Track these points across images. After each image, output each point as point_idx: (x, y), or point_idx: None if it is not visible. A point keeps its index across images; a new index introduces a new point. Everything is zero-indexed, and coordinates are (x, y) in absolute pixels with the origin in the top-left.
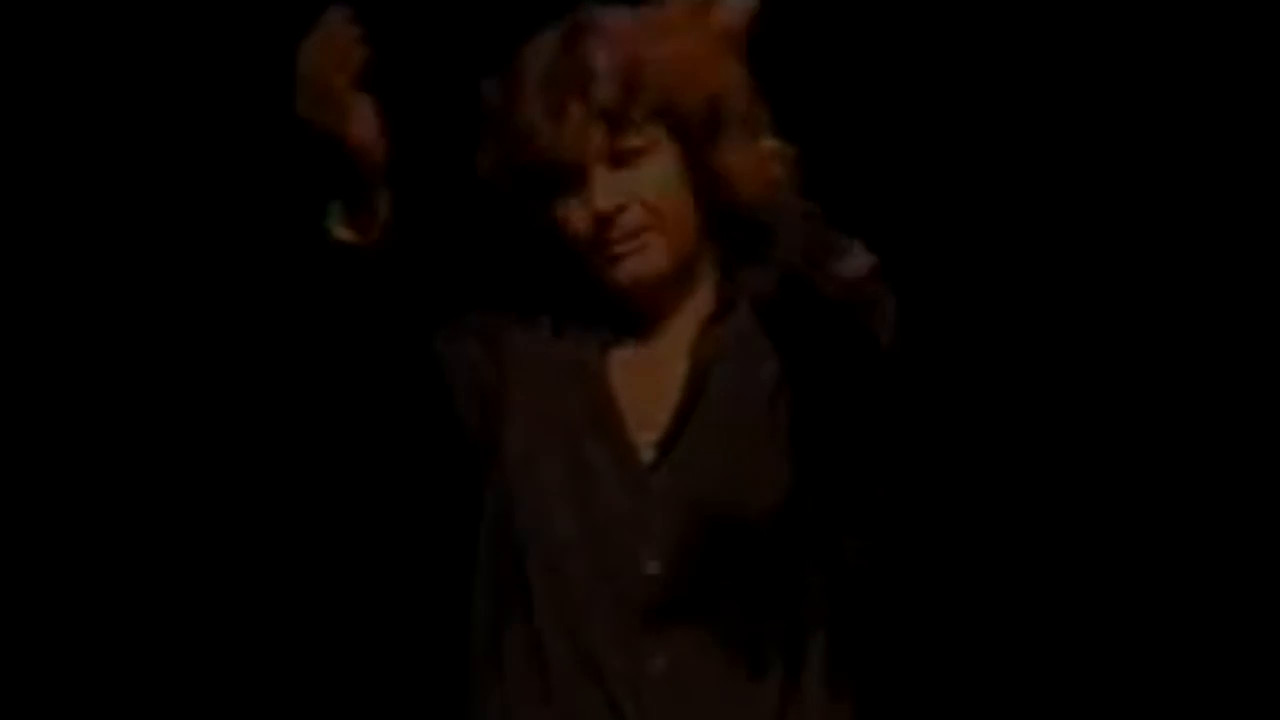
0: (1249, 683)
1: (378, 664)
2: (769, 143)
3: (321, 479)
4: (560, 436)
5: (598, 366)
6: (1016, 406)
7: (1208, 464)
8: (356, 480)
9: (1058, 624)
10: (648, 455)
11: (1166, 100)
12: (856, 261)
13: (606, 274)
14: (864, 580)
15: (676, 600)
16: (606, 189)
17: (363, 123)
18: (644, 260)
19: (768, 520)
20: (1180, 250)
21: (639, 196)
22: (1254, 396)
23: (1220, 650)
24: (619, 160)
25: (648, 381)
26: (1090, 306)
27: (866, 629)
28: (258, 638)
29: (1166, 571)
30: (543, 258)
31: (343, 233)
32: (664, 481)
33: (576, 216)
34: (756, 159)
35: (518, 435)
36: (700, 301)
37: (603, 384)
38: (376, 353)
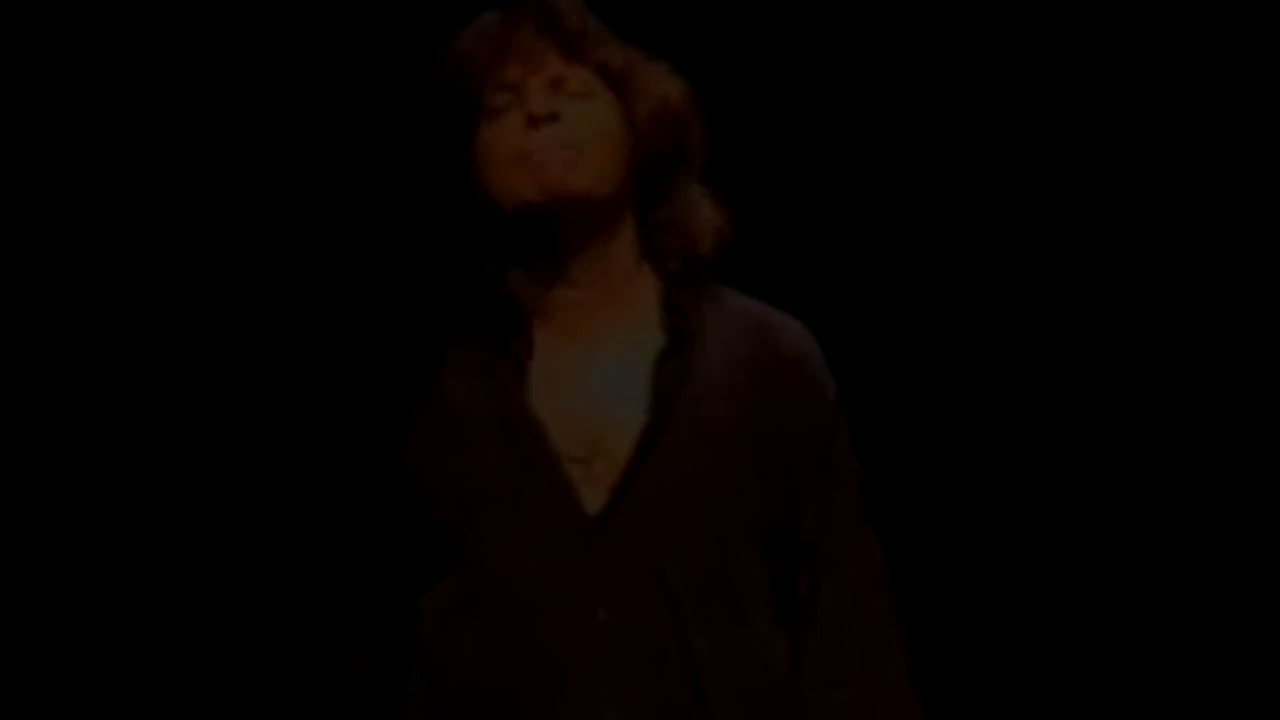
0: (1249, 683)
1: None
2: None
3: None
4: (491, 469)
5: (516, 390)
6: (1015, 406)
7: (1208, 464)
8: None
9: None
10: (596, 501)
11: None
12: None
13: (523, 190)
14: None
15: (624, 648)
16: (543, 99)
17: None
18: (565, 175)
19: (724, 558)
20: (1178, 250)
21: (573, 120)
22: (1254, 396)
23: (1220, 650)
24: (560, 85)
25: (579, 403)
26: (1088, 307)
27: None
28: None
29: (1165, 571)
30: (460, 248)
31: None
32: (615, 530)
33: (504, 132)
34: (700, 200)
35: (446, 462)
36: (627, 311)
37: (524, 410)
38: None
